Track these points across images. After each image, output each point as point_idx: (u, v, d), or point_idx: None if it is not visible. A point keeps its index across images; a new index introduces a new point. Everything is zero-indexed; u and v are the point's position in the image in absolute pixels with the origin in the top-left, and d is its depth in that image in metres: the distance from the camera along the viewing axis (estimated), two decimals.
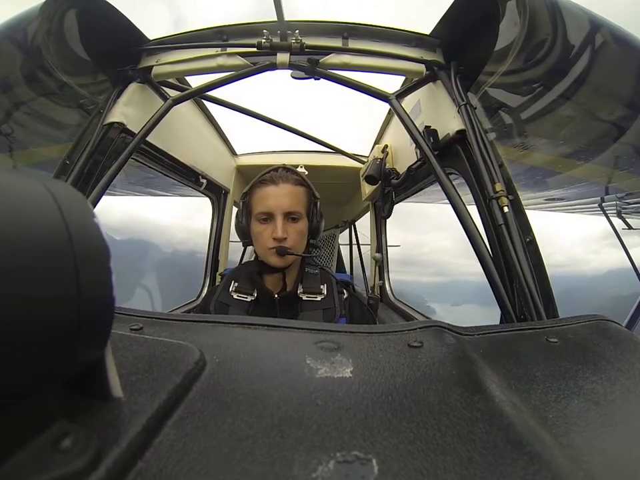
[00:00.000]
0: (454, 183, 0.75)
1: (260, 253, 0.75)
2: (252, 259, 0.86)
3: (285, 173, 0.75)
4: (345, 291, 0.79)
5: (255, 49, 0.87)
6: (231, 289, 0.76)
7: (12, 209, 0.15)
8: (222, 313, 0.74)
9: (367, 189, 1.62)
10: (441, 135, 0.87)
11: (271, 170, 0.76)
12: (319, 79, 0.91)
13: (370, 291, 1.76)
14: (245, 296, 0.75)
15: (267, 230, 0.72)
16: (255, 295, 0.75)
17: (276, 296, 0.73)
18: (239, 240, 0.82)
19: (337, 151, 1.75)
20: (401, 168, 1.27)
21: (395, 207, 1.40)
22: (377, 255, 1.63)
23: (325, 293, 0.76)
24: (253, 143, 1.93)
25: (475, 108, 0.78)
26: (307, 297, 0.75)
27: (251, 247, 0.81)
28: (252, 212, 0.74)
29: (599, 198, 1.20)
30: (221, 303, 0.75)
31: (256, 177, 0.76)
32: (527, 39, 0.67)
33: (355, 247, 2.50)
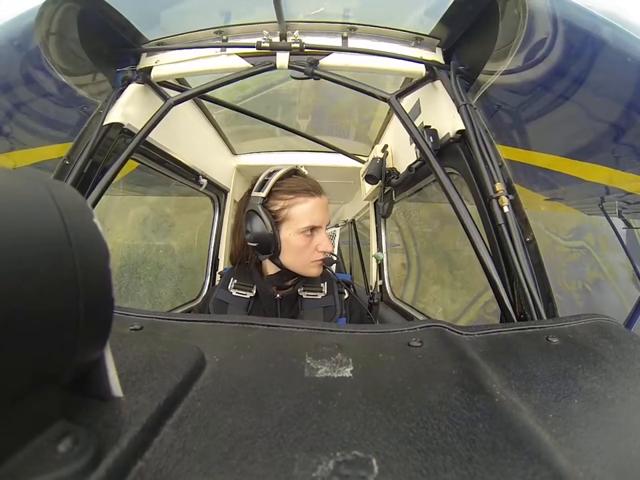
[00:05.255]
0: (453, 182, 0.75)
1: (299, 265, 0.71)
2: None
3: (313, 180, 0.72)
4: (345, 291, 0.79)
5: (254, 50, 0.87)
6: (229, 286, 0.75)
7: (11, 210, 0.15)
8: (221, 311, 0.73)
9: (367, 188, 1.62)
10: (440, 135, 0.87)
11: (293, 172, 0.72)
12: (318, 79, 0.91)
13: (370, 290, 1.76)
14: (244, 292, 0.74)
15: (312, 243, 0.70)
16: (255, 291, 0.74)
17: (278, 296, 0.73)
18: (260, 253, 0.71)
19: (337, 150, 1.76)
20: (401, 168, 1.27)
21: None
22: (378, 253, 1.63)
23: (325, 291, 0.76)
24: (253, 142, 1.93)
25: (475, 108, 0.78)
26: (308, 294, 0.74)
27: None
28: (291, 224, 0.68)
29: (599, 198, 1.20)
30: (220, 301, 0.74)
31: (277, 180, 0.68)
32: (526, 39, 0.67)
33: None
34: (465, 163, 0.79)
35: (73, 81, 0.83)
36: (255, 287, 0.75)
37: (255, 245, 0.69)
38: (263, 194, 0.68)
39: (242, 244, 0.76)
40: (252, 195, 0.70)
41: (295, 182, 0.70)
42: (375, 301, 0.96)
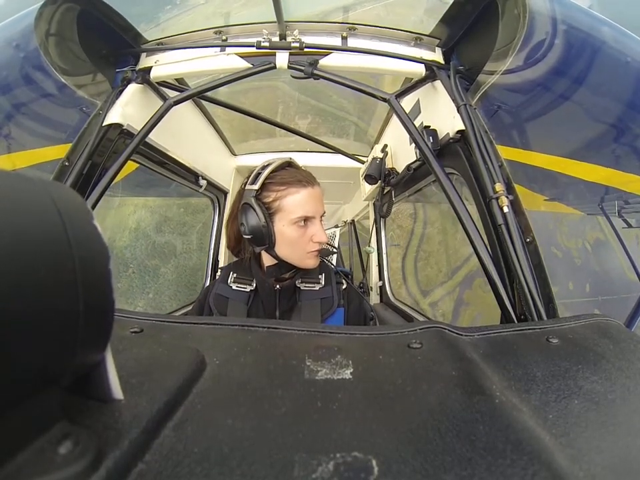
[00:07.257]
0: (453, 182, 0.75)
1: (294, 256, 0.71)
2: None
3: (307, 172, 0.73)
4: (344, 282, 0.80)
5: (254, 49, 0.87)
6: (229, 280, 0.76)
7: (11, 211, 0.15)
8: (221, 305, 0.74)
9: (367, 188, 1.62)
10: (440, 135, 0.87)
11: (286, 165, 0.73)
12: (318, 79, 0.91)
13: (366, 285, 1.76)
14: (244, 286, 0.75)
15: (306, 234, 0.70)
16: (254, 284, 0.75)
17: (277, 287, 0.73)
18: (255, 245, 0.72)
19: (337, 150, 1.76)
20: (401, 168, 1.27)
21: None
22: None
23: (323, 282, 0.76)
24: (253, 143, 1.93)
25: (475, 108, 0.78)
26: (305, 286, 0.75)
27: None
28: (284, 215, 0.68)
29: (599, 198, 1.20)
30: (220, 296, 0.75)
31: (269, 172, 0.69)
32: (526, 39, 0.67)
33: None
34: (465, 163, 0.79)
35: (72, 82, 0.82)
36: (254, 280, 0.75)
37: (249, 237, 0.70)
38: (256, 186, 0.69)
39: (237, 236, 0.77)
40: (246, 188, 0.71)
41: (288, 174, 0.71)
42: (363, 290, 0.96)
